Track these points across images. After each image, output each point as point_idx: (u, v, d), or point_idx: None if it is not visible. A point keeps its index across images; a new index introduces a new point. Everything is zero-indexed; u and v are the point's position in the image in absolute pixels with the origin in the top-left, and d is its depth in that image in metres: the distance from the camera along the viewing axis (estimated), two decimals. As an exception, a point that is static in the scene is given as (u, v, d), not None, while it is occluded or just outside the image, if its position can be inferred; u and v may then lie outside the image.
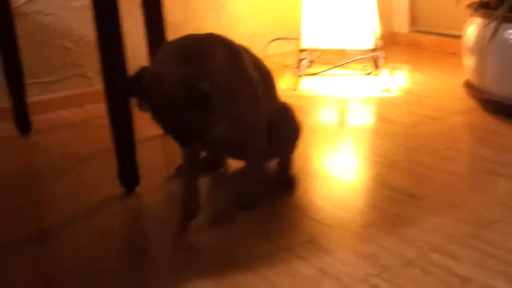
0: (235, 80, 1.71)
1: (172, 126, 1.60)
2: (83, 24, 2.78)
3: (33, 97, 2.70)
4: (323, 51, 3.07)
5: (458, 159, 2.14)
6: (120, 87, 1.85)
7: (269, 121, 1.85)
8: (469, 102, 2.58)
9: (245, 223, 1.75)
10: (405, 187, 1.91)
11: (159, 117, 1.60)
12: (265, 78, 1.87)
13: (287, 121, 1.97)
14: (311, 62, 3.02)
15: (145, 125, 2.20)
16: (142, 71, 1.62)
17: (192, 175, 1.80)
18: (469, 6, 2.55)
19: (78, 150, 2.35)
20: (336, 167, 2.13)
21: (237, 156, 1.99)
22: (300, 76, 2.97)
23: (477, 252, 1.53)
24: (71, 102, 2.83)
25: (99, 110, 2.60)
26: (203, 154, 2.07)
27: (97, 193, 1.97)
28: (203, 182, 2.01)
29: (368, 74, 2.91)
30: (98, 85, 2.75)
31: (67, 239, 1.71)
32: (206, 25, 3.12)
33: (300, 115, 2.03)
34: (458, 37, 2.73)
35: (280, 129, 1.92)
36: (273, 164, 2.03)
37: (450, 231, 1.63)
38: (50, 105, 2.78)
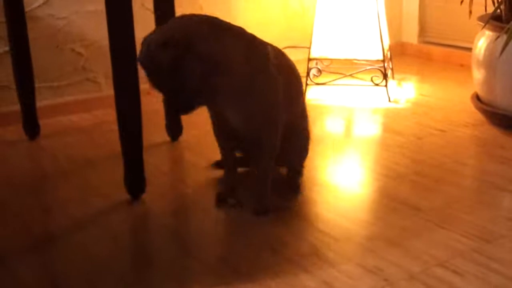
0: (249, 69, 1.71)
1: (160, 90, 1.64)
2: (95, 29, 2.80)
3: (43, 101, 2.71)
4: (332, 61, 3.07)
5: (464, 172, 2.14)
6: (131, 92, 1.86)
7: (287, 125, 1.85)
8: (477, 115, 2.58)
9: (249, 232, 1.75)
10: (411, 199, 1.91)
11: (150, 82, 1.65)
12: (290, 80, 1.88)
13: (300, 129, 1.97)
14: (320, 71, 3.03)
15: (153, 132, 2.22)
16: (143, 40, 1.66)
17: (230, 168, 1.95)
18: (480, 18, 2.55)
19: (86, 155, 2.36)
20: (343, 178, 2.13)
21: (250, 152, 1.96)
22: (308, 85, 2.97)
23: (481, 268, 1.53)
24: (80, 107, 2.84)
25: (108, 115, 2.62)
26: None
27: (104, 198, 1.98)
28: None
29: (377, 84, 2.91)
30: (107, 91, 2.77)
31: (73, 244, 1.72)
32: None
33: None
34: (467, 49, 2.73)
35: (294, 137, 1.92)
36: (282, 171, 2.04)
37: (455, 246, 1.63)
38: (59, 110, 2.79)
